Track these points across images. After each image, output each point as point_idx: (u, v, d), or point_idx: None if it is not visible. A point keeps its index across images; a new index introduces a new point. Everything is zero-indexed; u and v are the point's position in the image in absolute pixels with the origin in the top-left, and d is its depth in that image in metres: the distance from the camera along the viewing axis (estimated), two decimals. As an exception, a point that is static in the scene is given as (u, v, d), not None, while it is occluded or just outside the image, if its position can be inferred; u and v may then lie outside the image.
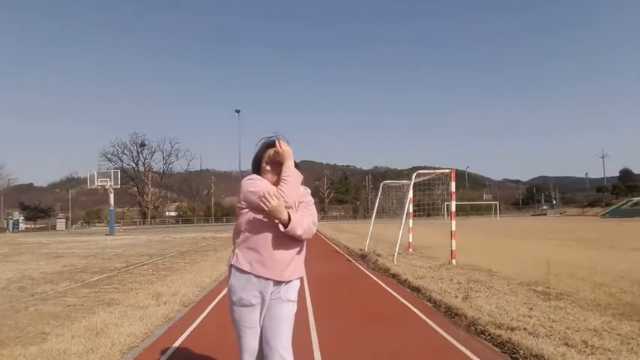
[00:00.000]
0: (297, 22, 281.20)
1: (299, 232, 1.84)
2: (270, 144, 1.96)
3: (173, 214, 69.41)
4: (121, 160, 62.31)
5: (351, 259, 10.49)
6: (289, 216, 1.81)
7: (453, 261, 8.13)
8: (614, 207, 52.91)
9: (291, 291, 1.97)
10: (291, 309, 1.97)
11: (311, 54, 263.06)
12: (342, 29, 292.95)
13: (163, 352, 3.45)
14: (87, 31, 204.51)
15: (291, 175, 1.88)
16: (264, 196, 1.77)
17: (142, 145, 64.11)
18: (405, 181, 12.25)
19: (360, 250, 11.62)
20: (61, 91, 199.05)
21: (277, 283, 1.92)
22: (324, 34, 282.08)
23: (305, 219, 1.89)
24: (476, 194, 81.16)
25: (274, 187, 1.88)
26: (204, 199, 77.45)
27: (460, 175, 66.68)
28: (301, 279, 2.03)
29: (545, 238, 15.72)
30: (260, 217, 1.89)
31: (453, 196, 8.75)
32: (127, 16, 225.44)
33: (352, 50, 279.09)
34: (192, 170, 73.48)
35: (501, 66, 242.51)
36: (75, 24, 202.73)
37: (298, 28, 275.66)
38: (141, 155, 64.74)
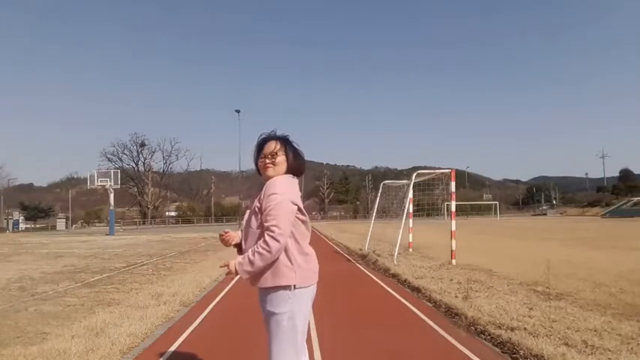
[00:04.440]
0: (297, 22, 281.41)
1: (250, 269, 1.72)
2: (260, 143, 1.94)
3: (173, 214, 69.36)
4: (121, 160, 62.26)
5: (351, 259, 10.48)
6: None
7: (453, 261, 8.12)
8: (614, 207, 52.87)
9: (267, 300, 1.79)
10: (271, 320, 1.78)
11: (311, 54, 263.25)
12: (343, 29, 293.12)
13: (163, 352, 3.44)
14: (87, 31, 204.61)
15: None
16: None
17: (142, 145, 64.06)
18: (405, 181, 12.23)
19: (360, 250, 11.61)
20: (61, 91, 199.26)
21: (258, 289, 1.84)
22: (325, 34, 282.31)
23: (250, 255, 1.72)
24: (476, 194, 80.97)
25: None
26: (204, 199, 77.39)
27: (460, 175, 66.59)
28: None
29: (545, 238, 15.71)
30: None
31: (453, 196, 8.74)
32: (126, 15, 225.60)
33: (352, 50, 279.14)
34: (192, 170, 73.45)
35: (501, 66, 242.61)
36: (75, 24, 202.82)
37: (299, 27, 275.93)
38: (141, 155, 64.71)
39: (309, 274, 1.83)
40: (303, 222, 1.84)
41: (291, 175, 1.90)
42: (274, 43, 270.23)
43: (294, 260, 1.78)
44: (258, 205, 1.79)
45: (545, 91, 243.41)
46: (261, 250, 1.69)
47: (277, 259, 1.75)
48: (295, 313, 1.78)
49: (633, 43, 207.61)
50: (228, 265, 1.78)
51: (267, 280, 1.77)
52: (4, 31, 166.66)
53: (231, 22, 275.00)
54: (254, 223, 1.81)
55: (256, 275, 1.77)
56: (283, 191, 1.74)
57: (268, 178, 1.85)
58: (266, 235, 1.68)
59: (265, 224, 1.71)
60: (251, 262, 1.70)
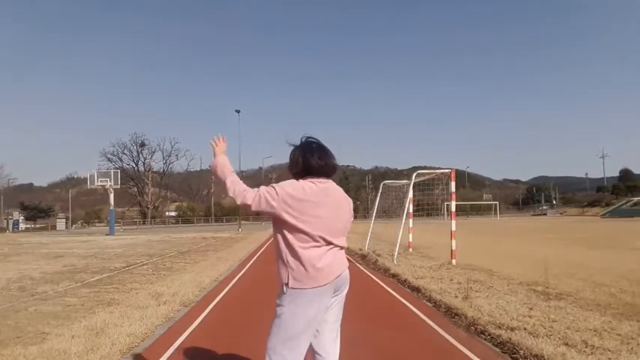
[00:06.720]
0: (298, 22, 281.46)
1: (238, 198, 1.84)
2: None
3: (173, 214, 69.41)
4: (121, 160, 62.23)
5: (350, 259, 10.48)
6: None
7: (453, 261, 8.13)
8: (614, 207, 52.96)
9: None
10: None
11: (311, 54, 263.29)
12: (343, 30, 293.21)
13: (163, 352, 3.44)
14: (87, 32, 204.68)
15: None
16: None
17: (142, 145, 64.07)
18: (405, 181, 12.25)
19: (360, 250, 11.61)
20: (62, 91, 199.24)
21: None
22: (325, 35, 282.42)
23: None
24: (476, 194, 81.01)
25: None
26: (204, 199, 77.43)
27: (460, 175, 66.60)
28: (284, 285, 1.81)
29: (545, 238, 15.72)
30: None
31: (453, 196, 8.75)
32: (127, 16, 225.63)
33: (353, 50, 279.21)
34: (192, 170, 73.50)
35: (501, 66, 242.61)
36: (75, 25, 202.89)
37: (299, 28, 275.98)
38: (141, 155, 64.72)
39: (304, 279, 1.77)
40: (298, 229, 1.78)
41: (308, 178, 1.98)
42: (275, 43, 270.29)
43: (287, 262, 1.81)
44: None
45: (545, 91, 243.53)
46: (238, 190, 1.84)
47: (279, 257, 1.85)
48: (286, 311, 1.78)
49: (633, 43, 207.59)
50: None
51: (279, 277, 1.88)
52: (4, 30, 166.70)
53: (232, 21, 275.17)
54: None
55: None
56: (279, 184, 1.87)
57: None
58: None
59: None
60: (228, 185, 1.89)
